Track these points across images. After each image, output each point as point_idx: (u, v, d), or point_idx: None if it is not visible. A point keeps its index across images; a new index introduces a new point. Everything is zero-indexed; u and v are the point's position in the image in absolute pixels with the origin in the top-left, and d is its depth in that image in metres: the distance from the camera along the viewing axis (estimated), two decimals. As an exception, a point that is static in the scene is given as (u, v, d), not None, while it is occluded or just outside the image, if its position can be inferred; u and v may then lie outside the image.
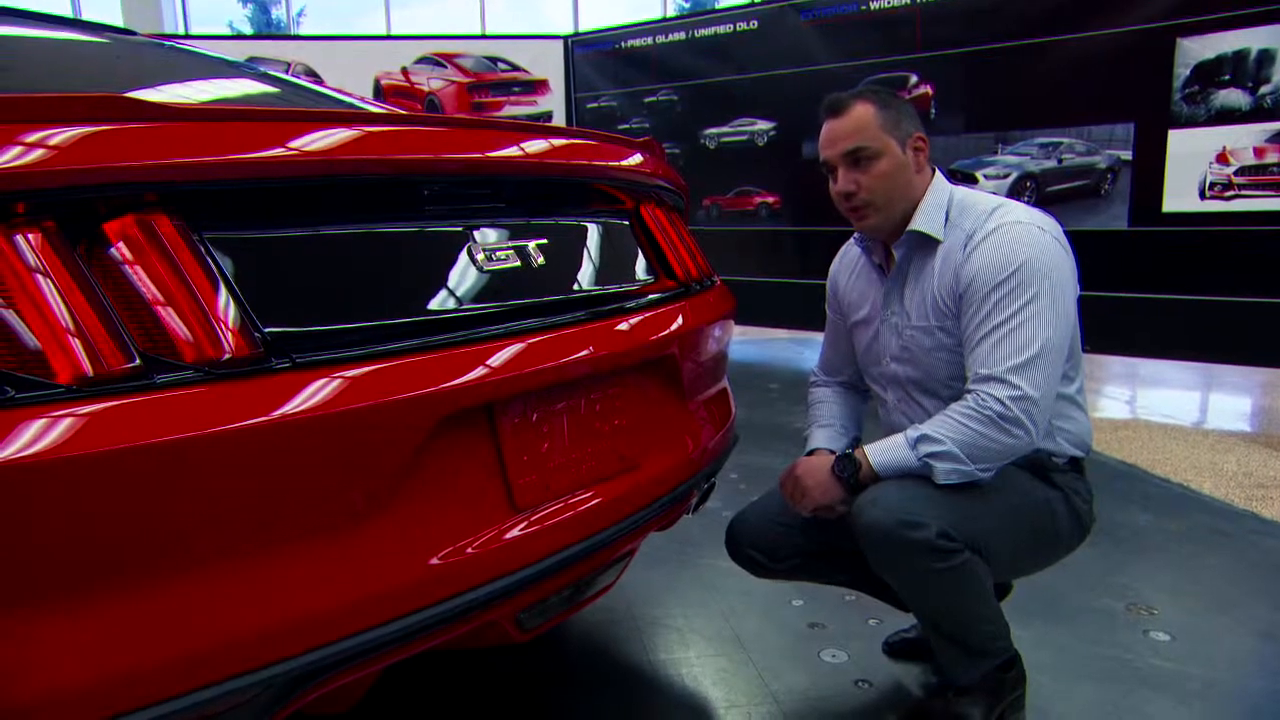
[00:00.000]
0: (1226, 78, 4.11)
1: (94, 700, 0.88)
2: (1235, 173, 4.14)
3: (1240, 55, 4.07)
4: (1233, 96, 4.11)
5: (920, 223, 1.67)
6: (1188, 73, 4.21)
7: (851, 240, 1.86)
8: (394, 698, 1.88)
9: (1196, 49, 4.17)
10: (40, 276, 0.86)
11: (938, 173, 1.72)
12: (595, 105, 6.90)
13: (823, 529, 1.73)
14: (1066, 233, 1.66)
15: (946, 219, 1.67)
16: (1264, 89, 4.03)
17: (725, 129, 6.14)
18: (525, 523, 1.28)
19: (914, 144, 1.67)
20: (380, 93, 7.09)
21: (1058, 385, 1.59)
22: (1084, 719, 1.79)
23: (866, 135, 1.63)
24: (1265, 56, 4.01)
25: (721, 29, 6.06)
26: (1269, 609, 2.27)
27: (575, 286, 1.53)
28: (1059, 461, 1.69)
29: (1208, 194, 4.23)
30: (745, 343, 6.68)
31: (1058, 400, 1.63)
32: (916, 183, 1.68)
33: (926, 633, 1.74)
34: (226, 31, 17.99)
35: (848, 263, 1.90)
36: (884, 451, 1.59)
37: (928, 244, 1.68)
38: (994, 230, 1.60)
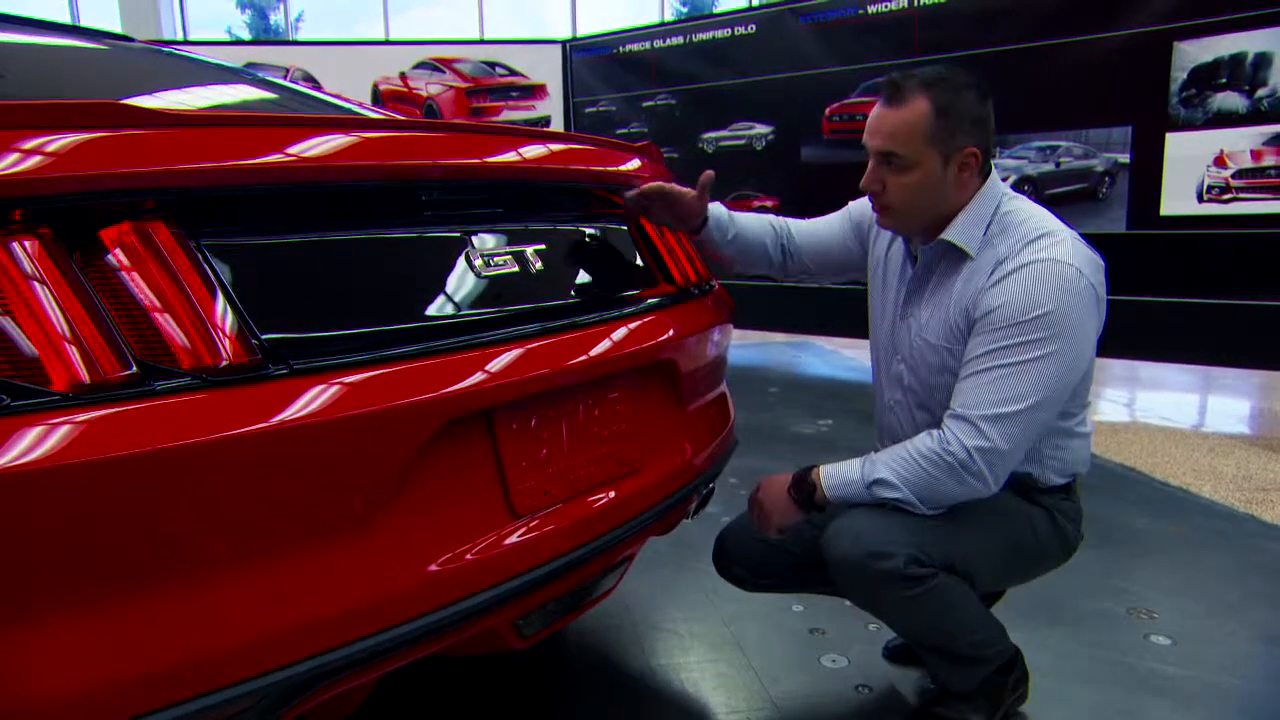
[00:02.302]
0: (1223, 81, 4.12)
1: (92, 708, 0.87)
2: (1233, 176, 4.14)
3: (1237, 58, 4.07)
4: (1230, 99, 4.11)
5: (954, 233, 1.56)
6: (1185, 76, 4.21)
7: None
8: (394, 704, 1.88)
9: (1194, 52, 4.17)
10: (36, 284, 0.86)
11: (992, 179, 1.58)
12: (593, 110, 6.90)
13: (807, 543, 1.70)
14: (1107, 272, 1.55)
15: (986, 231, 1.55)
16: (1261, 92, 4.04)
17: (723, 133, 6.14)
18: (524, 528, 1.27)
19: (962, 159, 1.52)
20: (378, 98, 7.09)
21: (1036, 436, 1.53)
22: (1085, 723, 1.79)
23: (905, 143, 1.51)
24: (1262, 59, 4.01)
25: (720, 33, 6.06)
26: (1270, 612, 2.26)
27: (573, 291, 1.53)
28: (1042, 485, 1.65)
29: (1205, 197, 4.23)
30: (744, 346, 6.68)
31: (1052, 433, 1.59)
32: (951, 198, 1.55)
33: (917, 651, 1.73)
34: (225, 37, 18.01)
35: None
36: (838, 486, 1.56)
37: (958, 255, 1.57)
38: (1028, 264, 1.48)
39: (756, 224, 1.87)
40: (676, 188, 1.71)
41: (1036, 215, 1.57)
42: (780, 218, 1.91)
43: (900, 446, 1.55)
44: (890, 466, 1.52)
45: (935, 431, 1.52)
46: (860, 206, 1.84)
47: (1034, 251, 1.49)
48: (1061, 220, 1.58)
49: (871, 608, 1.63)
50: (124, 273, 0.94)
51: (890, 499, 1.52)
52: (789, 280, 1.96)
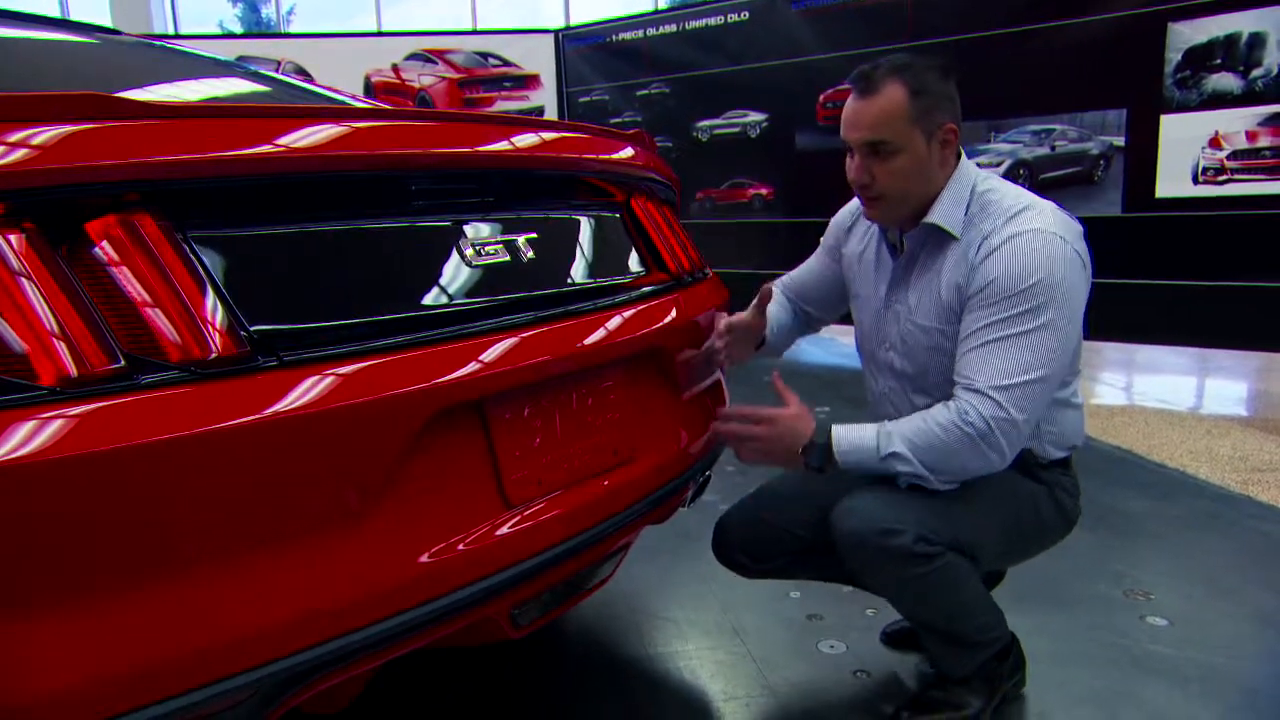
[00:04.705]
0: (1218, 62, 4.11)
1: (86, 702, 0.87)
2: (1228, 157, 4.14)
3: (1231, 39, 4.06)
4: (1224, 80, 4.11)
5: (937, 216, 1.57)
6: (1179, 57, 4.20)
7: None
8: (390, 695, 1.88)
9: (1187, 33, 4.16)
10: (21, 278, 0.86)
11: (964, 161, 1.61)
12: (587, 99, 6.88)
13: (809, 527, 1.71)
14: (1086, 236, 1.57)
15: (966, 212, 1.58)
16: (1255, 72, 4.03)
17: (718, 121, 6.13)
18: (518, 518, 1.27)
19: (942, 136, 1.55)
20: (371, 90, 7.06)
21: (1043, 407, 1.53)
22: (1081, 705, 1.79)
23: (889, 129, 1.52)
24: (1256, 40, 4.00)
25: (712, 20, 6.04)
26: (1266, 593, 2.27)
27: (566, 280, 1.53)
28: (1042, 460, 1.66)
29: (1201, 179, 4.22)
30: (741, 335, 6.67)
31: (1049, 405, 1.59)
32: (937, 177, 1.58)
33: (917, 631, 1.74)
34: (216, 31, 17.93)
35: (861, 226, 1.79)
36: (851, 451, 1.53)
37: (942, 237, 1.59)
38: (1013, 237, 1.50)
39: (787, 317, 1.93)
40: (738, 318, 1.75)
41: (1013, 191, 1.60)
42: (785, 293, 1.96)
43: (917, 416, 1.53)
44: (906, 437, 1.50)
45: (950, 403, 1.51)
46: (830, 230, 1.90)
47: (1018, 224, 1.52)
48: (1037, 194, 1.61)
49: (877, 586, 1.63)
50: (110, 266, 0.93)
51: (902, 473, 1.51)
52: (784, 270, 1.98)
